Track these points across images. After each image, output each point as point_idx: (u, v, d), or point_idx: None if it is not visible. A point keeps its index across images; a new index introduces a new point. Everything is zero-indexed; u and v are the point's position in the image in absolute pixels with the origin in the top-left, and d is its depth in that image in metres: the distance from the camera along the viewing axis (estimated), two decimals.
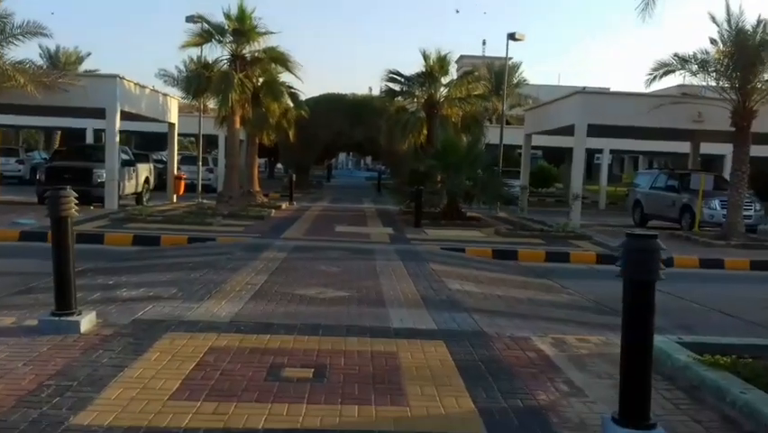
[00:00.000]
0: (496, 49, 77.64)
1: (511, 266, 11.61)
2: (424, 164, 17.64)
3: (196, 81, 16.47)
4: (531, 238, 14.69)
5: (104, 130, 33.44)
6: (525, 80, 40.00)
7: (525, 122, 24.25)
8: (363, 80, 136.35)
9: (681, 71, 15.58)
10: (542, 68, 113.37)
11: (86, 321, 5.22)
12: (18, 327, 5.24)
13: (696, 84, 17.52)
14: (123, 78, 17.26)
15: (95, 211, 16.58)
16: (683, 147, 30.06)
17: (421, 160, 18.27)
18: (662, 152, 36.40)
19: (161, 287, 7.39)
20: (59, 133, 40.14)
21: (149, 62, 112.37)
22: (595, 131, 20.19)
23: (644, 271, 3.30)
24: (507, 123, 34.21)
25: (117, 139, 17.24)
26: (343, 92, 33.73)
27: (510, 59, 24.34)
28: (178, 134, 33.12)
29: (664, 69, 15.30)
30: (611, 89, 35.63)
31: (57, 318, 5.09)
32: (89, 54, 40.74)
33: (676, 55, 14.75)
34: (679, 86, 22.90)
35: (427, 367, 4.66)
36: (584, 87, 18.08)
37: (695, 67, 15.19)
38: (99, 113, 17.47)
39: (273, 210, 18.84)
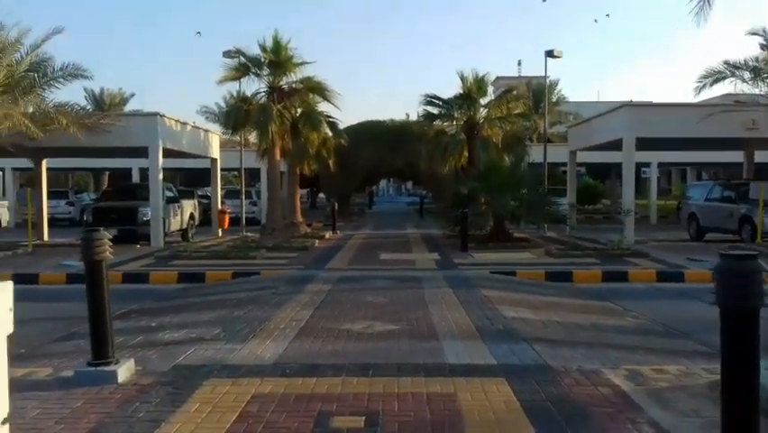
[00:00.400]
0: (531, 69, 77.14)
1: (567, 289, 11.03)
2: (467, 187, 17.21)
3: (235, 115, 16.47)
4: (584, 258, 14.06)
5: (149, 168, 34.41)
6: (564, 97, 39.36)
7: (570, 138, 23.60)
8: (400, 106, 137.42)
9: (732, 79, 14.88)
10: (581, 85, 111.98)
11: (124, 370, 4.94)
12: (54, 378, 5.00)
13: (746, 92, 16.76)
14: (163, 115, 17.40)
15: (141, 250, 16.61)
16: (733, 156, 28.92)
17: (463, 182, 17.86)
18: (710, 162, 35.04)
19: (204, 327, 7.12)
20: (107, 174, 41.11)
21: (191, 100, 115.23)
22: (642, 144, 19.53)
23: (746, 297, 2.83)
24: (549, 141, 33.65)
25: (161, 176, 17.34)
26: (381, 118, 33.60)
27: (548, 76, 23.80)
28: (222, 169, 33.72)
29: (714, 76, 14.65)
30: (654, 102, 34.65)
31: (93, 369, 4.83)
32: (133, 95, 41.97)
33: (726, 63, 14.09)
34: (724, 95, 22.00)
35: (491, 410, 4.21)
36: (630, 101, 17.31)
37: (747, 74, 14.50)
38: (142, 151, 17.60)
39: (317, 240, 18.62)
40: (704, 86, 14.80)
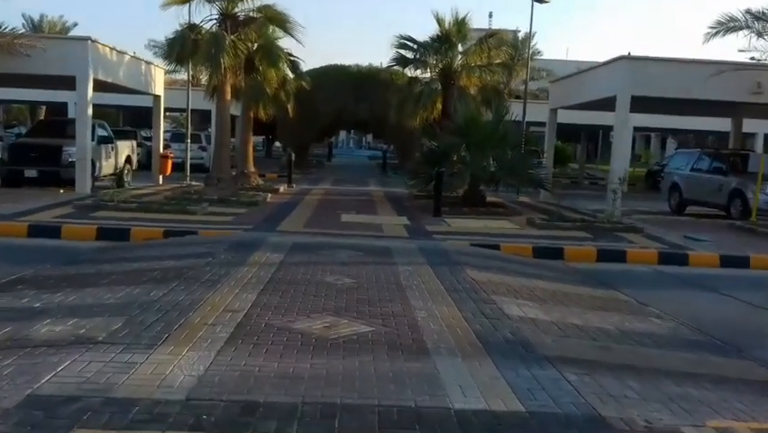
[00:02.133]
0: (502, 22, 74.34)
1: (562, 270, 9.38)
2: (442, 142, 15.33)
3: (180, 43, 14.09)
4: (572, 231, 12.44)
5: (96, 104, 31.26)
6: (539, 52, 37.48)
7: (551, 95, 21.86)
8: (369, 54, 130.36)
9: (747, 31, 13.18)
10: (547, 41, 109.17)
11: None
12: None
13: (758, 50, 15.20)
14: (95, 41, 14.88)
15: (63, 195, 14.31)
16: (714, 124, 27.76)
17: (438, 137, 15.96)
18: (688, 129, 33.99)
19: (103, 315, 5.17)
20: (45, 108, 37.70)
21: (142, 35, 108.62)
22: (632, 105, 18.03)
23: None
24: (518, 97, 31.85)
25: (90, 111, 14.91)
26: (347, 63, 31.19)
27: (531, 23, 21.77)
28: (170, 109, 30.84)
29: (729, 25, 12.88)
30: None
31: None
32: (76, 24, 38.20)
33: (749, 11, 12.34)
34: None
35: None
36: (629, 53, 15.56)
37: None
38: (70, 82, 15.09)
39: (269, 194, 16.57)
40: (716, 33, 13.04)
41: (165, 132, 27.59)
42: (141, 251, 8.89)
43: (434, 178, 13.61)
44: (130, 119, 39.12)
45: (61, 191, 14.95)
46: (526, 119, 20.62)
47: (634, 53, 16.09)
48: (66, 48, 15.08)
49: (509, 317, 5.72)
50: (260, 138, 47.20)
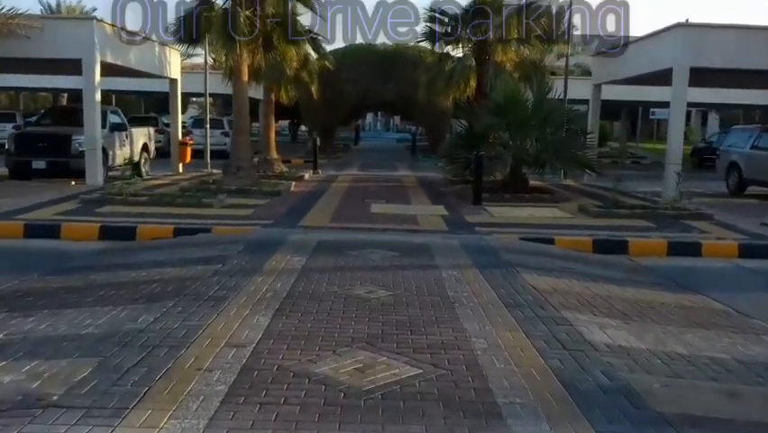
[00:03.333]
0: None
1: (632, 268, 8.04)
2: (479, 123, 13.94)
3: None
4: (631, 219, 11.03)
5: (114, 90, 30.27)
6: (574, 26, 35.42)
7: (594, 69, 20.22)
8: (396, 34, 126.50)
9: None
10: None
11: None
12: None
13: None
14: (101, 20, 13.77)
15: (73, 188, 13.30)
16: (756, 97, 25.70)
17: (475, 117, 14.56)
18: (730, 103, 31.78)
19: (71, 355, 4.01)
20: (66, 96, 36.97)
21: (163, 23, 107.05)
22: (658, 79, 16.41)
23: None
24: (553, 73, 30.00)
25: (98, 97, 13.85)
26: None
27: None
28: (194, 95, 29.68)
29: None
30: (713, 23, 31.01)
31: None
32: (94, 10, 37.12)
33: None
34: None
35: None
36: (687, 20, 13.95)
37: None
38: (76, 66, 14.02)
39: (294, 182, 15.39)
40: None
41: (190, 117, 26.39)
42: (144, 254, 7.75)
43: (473, 162, 12.27)
44: (153, 105, 38.24)
45: (73, 183, 13.95)
46: (572, 96, 19.02)
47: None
48: (70, 29, 14.01)
49: (594, 345, 4.43)
50: (286, 122, 46.19)
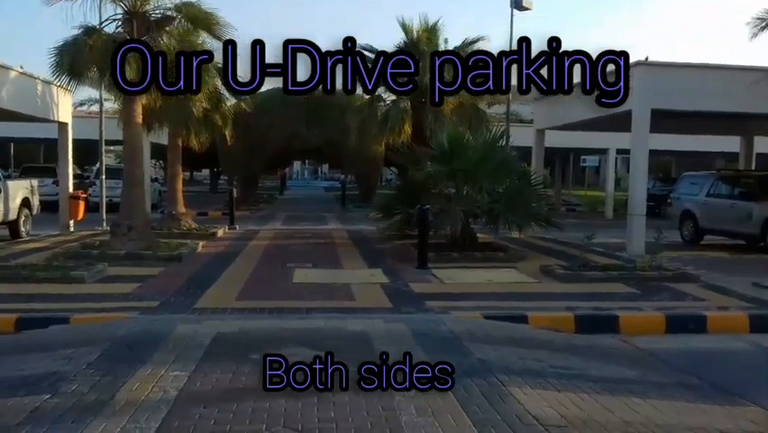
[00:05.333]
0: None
1: (641, 360, 6.08)
2: (422, 170, 12.02)
3: (73, 52, 10.50)
4: (608, 283, 9.22)
5: (11, 138, 26.65)
6: None
7: (537, 114, 18.84)
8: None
9: None
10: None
11: None
12: None
13: None
14: None
15: None
16: (709, 144, 24.69)
17: (415, 164, 12.65)
18: (679, 150, 30.79)
19: None
20: None
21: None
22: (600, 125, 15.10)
23: None
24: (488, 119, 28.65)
25: None
26: None
27: (511, 33, 18.81)
28: (111, 142, 26.08)
29: None
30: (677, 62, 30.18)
31: None
32: None
33: None
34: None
35: None
36: (646, 58, 12.58)
37: None
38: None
39: (202, 242, 12.99)
40: (758, 30, 10.29)
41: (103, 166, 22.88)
42: None
43: (417, 217, 10.24)
44: (54, 155, 34.63)
45: None
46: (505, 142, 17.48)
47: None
48: None
49: None
50: (206, 172, 43.32)
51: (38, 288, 8.10)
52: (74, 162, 30.43)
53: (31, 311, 6.93)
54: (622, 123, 13.01)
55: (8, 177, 19.88)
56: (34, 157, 33.35)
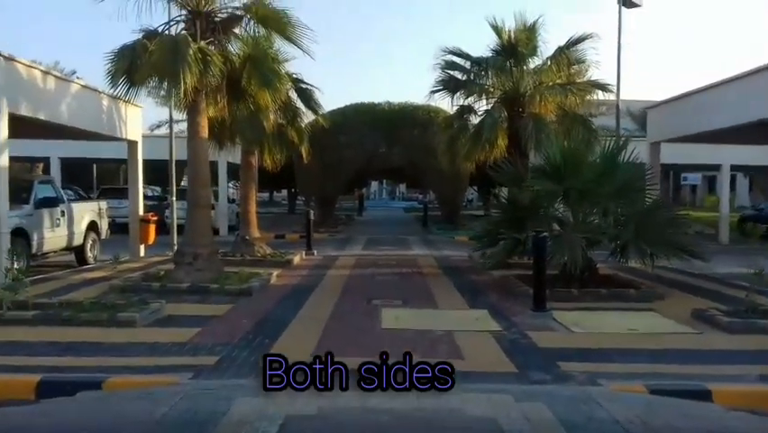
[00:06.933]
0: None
1: None
2: (528, 190, 10.11)
3: (131, 56, 9.30)
4: None
5: (98, 159, 26.38)
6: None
7: (650, 125, 16.55)
8: (403, 95, 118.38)
9: None
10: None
11: None
12: None
13: None
14: (11, 58, 10.15)
15: None
16: None
17: (517, 181, 10.76)
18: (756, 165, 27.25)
19: None
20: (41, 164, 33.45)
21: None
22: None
23: None
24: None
25: (5, 161, 10.04)
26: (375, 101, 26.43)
27: (620, 31, 16.61)
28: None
29: None
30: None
31: None
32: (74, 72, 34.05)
33: None
34: None
35: None
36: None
37: None
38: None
39: (276, 271, 11.55)
40: None
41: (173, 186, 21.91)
42: None
43: (533, 245, 8.30)
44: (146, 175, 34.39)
45: None
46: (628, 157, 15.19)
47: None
48: None
49: None
50: (284, 192, 42.60)
51: (78, 333, 6.71)
52: (155, 183, 30.24)
53: (59, 370, 5.50)
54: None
55: (78, 198, 19.31)
56: (115, 178, 33.33)
